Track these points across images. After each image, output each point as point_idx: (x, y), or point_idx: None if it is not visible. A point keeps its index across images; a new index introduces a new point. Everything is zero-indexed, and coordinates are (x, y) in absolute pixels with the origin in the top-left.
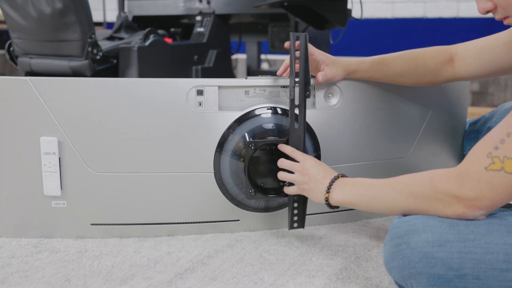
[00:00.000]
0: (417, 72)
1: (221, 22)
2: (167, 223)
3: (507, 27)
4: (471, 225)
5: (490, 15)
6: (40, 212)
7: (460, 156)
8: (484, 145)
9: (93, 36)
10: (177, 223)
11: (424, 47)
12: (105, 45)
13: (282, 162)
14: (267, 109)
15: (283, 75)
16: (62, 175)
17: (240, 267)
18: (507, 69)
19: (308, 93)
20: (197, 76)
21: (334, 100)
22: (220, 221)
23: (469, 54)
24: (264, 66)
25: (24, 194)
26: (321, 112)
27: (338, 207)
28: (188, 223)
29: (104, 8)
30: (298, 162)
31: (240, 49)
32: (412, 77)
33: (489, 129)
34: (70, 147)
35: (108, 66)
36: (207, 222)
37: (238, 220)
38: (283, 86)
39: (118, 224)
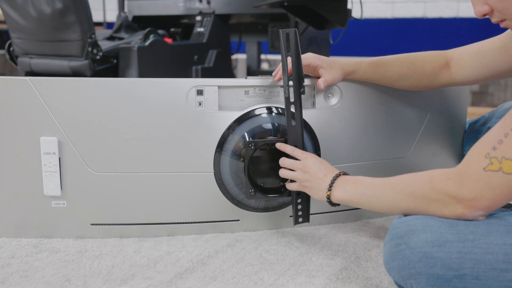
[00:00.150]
0: (415, 75)
1: (221, 22)
2: (167, 223)
3: (505, 29)
4: (471, 225)
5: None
6: (40, 212)
7: (460, 156)
8: (482, 146)
9: (93, 36)
10: (177, 223)
11: (421, 51)
12: (105, 45)
13: (283, 161)
14: (267, 109)
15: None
16: (62, 175)
17: (240, 267)
18: (503, 73)
19: (302, 89)
20: (197, 76)
21: (334, 100)
22: (220, 221)
23: (465, 59)
24: (264, 66)
25: (24, 194)
26: (321, 112)
27: (339, 204)
28: (188, 223)
29: (104, 8)
30: (299, 160)
31: (240, 49)
32: (409, 80)
33: (489, 129)
34: (70, 147)
35: (108, 66)
36: (207, 222)
37: (238, 220)
38: (283, 86)
39: (118, 224)
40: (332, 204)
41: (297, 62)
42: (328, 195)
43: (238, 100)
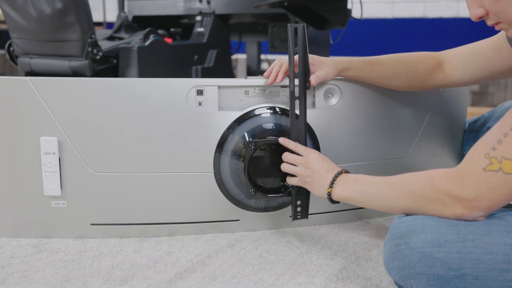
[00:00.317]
0: (408, 75)
1: (221, 22)
2: (167, 223)
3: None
4: (471, 225)
5: None
6: (40, 212)
7: (460, 156)
8: (482, 146)
9: (93, 36)
10: (177, 223)
11: (414, 51)
12: (105, 45)
13: (286, 156)
14: (267, 109)
15: (268, 80)
16: (62, 175)
17: (240, 267)
18: (497, 74)
19: (308, 84)
20: (197, 76)
21: (334, 100)
22: (220, 221)
23: (458, 60)
24: (264, 66)
25: (24, 194)
26: (321, 112)
27: (339, 202)
28: (188, 223)
29: (104, 8)
30: (301, 156)
31: (240, 49)
32: (402, 80)
33: (488, 128)
34: (70, 147)
35: (108, 66)
36: (207, 222)
37: (238, 220)
38: (283, 86)
39: (118, 224)
40: (332, 201)
41: (304, 57)
42: (329, 192)
43: (238, 100)
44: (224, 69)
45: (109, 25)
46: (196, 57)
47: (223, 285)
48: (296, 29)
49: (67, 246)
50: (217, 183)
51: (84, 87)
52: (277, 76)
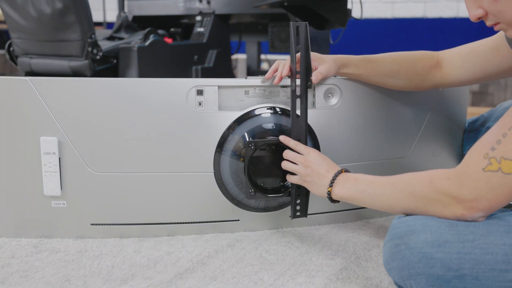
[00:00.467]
0: (406, 73)
1: (221, 22)
2: (167, 223)
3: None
4: (470, 226)
5: None
6: (40, 212)
7: (460, 155)
8: (481, 146)
9: (93, 36)
10: (177, 223)
11: (412, 51)
12: (105, 45)
13: (287, 153)
14: (267, 109)
15: (269, 80)
16: (62, 175)
17: (240, 267)
18: (495, 74)
19: (309, 83)
20: (197, 76)
21: (334, 100)
22: (220, 221)
23: (456, 60)
24: (264, 66)
25: (24, 194)
26: (321, 112)
27: (338, 201)
28: (188, 223)
29: (104, 8)
30: (302, 154)
31: (240, 49)
32: (401, 78)
33: (488, 128)
34: (70, 147)
35: (108, 66)
36: (207, 222)
37: (238, 220)
38: (283, 86)
39: (118, 224)
40: (332, 200)
41: (306, 56)
42: (328, 191)
43: (238, 100)
44: (224, 69)
45: (109, 25)
46: (196, 57)
47: (223, 285)
48: (298, 27)
49: (67, 246)
50: (217, 183)
51: (84, 87)
52: (281, 75)
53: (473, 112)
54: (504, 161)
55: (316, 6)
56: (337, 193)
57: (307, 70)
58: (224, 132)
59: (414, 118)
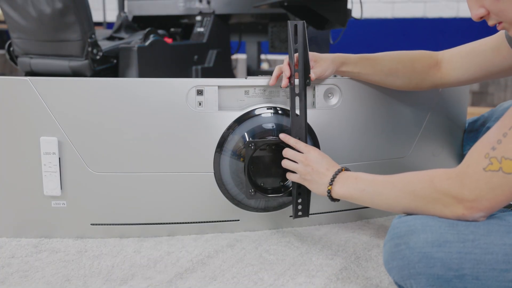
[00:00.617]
0: (405, 72)
1: (221, 22)
2: (167, 223)
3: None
4: (471, 226)
5: None
6: (40, 212)
7: (460, 156)
8: (482, 146)
9: (93, 36)
10: (177, 223)
11: (411, 50)
12: (105, 45)
13: (286, 151)
14: (267, 109)
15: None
16: (62, 175)
17: (240, 267)
18: (495, 73)
19: (308, 80)
20: (197, 76)
21: (334, 100)
22: (220, 221)
23: (456, 59)
24: (264, 66)
25: (24, 194)
26: (321, 112)
27: (338, 200)
28: (188, 223)
29: (104, 8)
30: (302, 153)
31: (240, 49)
32: (399, 77)
33: (488, 128)
34: (70, 147)
35: (108, 66)
36: (207, 222)
37: (238, 220)
38: (289, 77)
39: (118, 224)
40: (332, 199)
41: (304, 54)
42: (328, 190)
43: (238, 100)
44: (224, 69)
45: (109, 25)
46: (196, 57)
47: (223, 285)
48: (296, 26)
49: (67, 246)
50: (217, 183)
51: (84, 87)
52: (279, 76)
53: (473, 112)
54: (505, 160)
55: (316, 6)
56: (337, 191)
57: (305, 68)
58: (224, 132)
59: (414, 118)
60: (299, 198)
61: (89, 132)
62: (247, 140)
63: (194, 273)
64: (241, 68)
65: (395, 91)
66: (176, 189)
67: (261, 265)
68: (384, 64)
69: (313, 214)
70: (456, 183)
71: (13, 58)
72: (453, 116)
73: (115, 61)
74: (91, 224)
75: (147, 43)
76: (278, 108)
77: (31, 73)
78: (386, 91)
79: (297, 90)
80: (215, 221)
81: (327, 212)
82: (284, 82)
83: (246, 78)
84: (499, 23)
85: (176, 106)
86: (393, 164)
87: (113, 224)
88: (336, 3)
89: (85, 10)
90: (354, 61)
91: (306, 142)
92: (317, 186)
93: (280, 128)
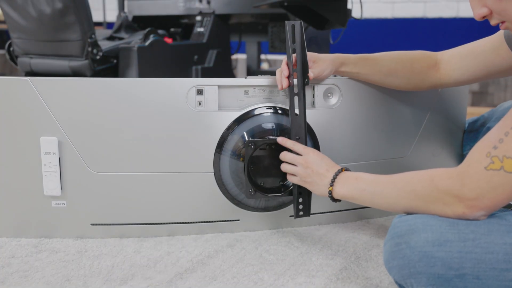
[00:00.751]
0: (404, 72)
1: (221, 22)
2: (167, 223)
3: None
4: (471, 225)
5: None
6: (40, 212)
7: (460, 155)
8: (483, 145)
9: (93, 36)
10: (177, 223)
11: (411, 50)
12: (105, 45)
13: (284, 155)
14: (267, 108)
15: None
16: (62, 175)
17: (240, 267)
18: (494, 73)
19: (307, 80)
20: (197, 76)
21: (333, 100)
22: (220, 221)
23: (455, 60)
24: (264, 66)
25: (24, 194)
26: (320, 112)
27: (340, 200)
28: (188, 223)
29: (104, 8)
30: (300, 155)
31: (240, 49)
32: (398, 77)
33: (488, 129)
34: (70, 147)
35: (108, 66)
36: (207, 222)
37: (238, 220)
38: (288, 77)
39: (118, 224)
40: (334, 200)
41: (302, 53)
42: (330, 191)
43: (237, 100)
44: (224, 69)
45: (109, 25)
46: (196, 57)
47: (223, 285)
48: (293, 26)
49: (67, 246)
50: (217, 183)
51: (84, 87)
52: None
53: (473, 112)
54: (506, 159)
55: (316, 6)
56: (338, 192)
57: (303, 67)
58: (224, 132)
59: (414, 118)
60: (300, 198)
61: (89, 132)
62: (247, 139)
63: (194, 273)
64: (241, 68)
65: (395, 91)
66: (176, 189)
67: (261, 265)
68: (383, 64)
69: (313, 214)
70: (457, 182)
71: (13, 58)
72: (453, 116)
73: (115, 61)
74: (91, 224)
75: (147, 43)
76: (277, 108)
77: (31, 73)
78: (385, 91)
79: (296, 90)
80: (215, 221)
81: (327, 212)
82: (285, 82)
83: (246, 78)
84: (502, 22)
85: (176, 106)
86: (393, 164)
87: (113, 224)
88: (336, 3)
89: (85, 10)
90: (354, 61)
91: (305, 142)
92: (318, 188)
93: (280, 128)
